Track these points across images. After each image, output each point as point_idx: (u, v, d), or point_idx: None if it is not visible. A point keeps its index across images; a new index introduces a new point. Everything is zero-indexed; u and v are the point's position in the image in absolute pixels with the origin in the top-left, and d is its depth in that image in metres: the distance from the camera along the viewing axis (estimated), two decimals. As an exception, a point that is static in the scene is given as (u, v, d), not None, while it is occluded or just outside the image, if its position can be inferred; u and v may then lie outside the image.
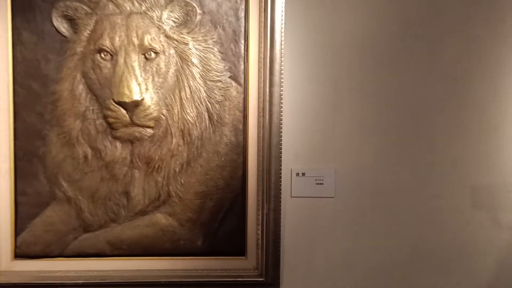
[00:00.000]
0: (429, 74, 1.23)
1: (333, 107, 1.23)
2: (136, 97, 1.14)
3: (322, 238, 1.25)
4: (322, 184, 1.24)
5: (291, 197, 1.24)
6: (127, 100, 1.13)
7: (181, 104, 1.18)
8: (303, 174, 1.24)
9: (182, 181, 1.19)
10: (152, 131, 1.16)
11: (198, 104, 1.18)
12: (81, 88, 1.15)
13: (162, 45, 1.15)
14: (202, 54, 1.17)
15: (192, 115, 1.18)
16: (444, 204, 1.24)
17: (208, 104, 1.19)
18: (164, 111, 1.17)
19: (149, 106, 1.15)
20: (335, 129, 1.23)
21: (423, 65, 1.23)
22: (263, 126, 1.18)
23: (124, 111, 1.14)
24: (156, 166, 1.17)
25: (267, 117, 1.17)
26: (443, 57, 1.22)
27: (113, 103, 1.14)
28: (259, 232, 1.20)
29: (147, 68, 1.15)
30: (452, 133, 1.23)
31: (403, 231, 1.24)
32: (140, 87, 1.14)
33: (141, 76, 1.15)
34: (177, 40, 1.15)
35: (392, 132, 1.23)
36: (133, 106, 1.14)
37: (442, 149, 1.23)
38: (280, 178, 1.19)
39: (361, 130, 1.23)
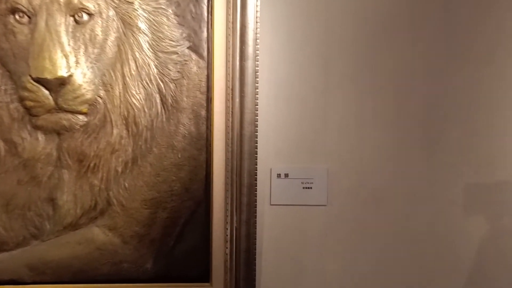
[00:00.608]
0: (435, 55, 0.97)
1: (323, 90, 0.96)
2: (62, 72, 0.85)
3: (311, 259, 0.96)
4: (311, 188, 0.97)
5: (271, 205, 0.96)
6: (49, 76, 0.85)
7: (124, 83, 0.90)
8: (286, 175, 0.97)
9: (126, 184, 0.90)
10: (85, 119, 0.87)
11: (147, 83, 0.91)
12: (-14, 60, 0.88)
13: (98, 4, 0.87)
14: (152, 17, 0.89)
15: (138, 97, 0.91)
16: (460, 211, 0.98)
17: (160, 83, 0.91)
18: (102, 93, 0.89)
19: (80, 85, 0.87)
20: (326, 118, 0.96)
21: (428, 44, 0.96)
22: (232, 112, 0.91)
23: (46, 92, 0.86)
24: (92, 165, 0.88)
25: (238, 100, 0.90)
26: (452, 36, 0.96)
27: (31, 81, 0.85)
28: (228, 251, 0.92)
29: (78, 34, 0.87)
30: (468, 125, 0.97)
31: (413, 249, 0.97)
32: (68, 60, 0.86)
33: (69, 45, 0.86)
34: (118, -1, 0.89)
35: (398, 124, 0.96)
36: (58, 85, 0.85)
37: (459, 145, 0.97)
38: (256, 180, 0.92)
39: (360, 120, 0.95)
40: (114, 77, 0.89)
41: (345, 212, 0.96)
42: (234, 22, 0.89)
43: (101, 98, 0.89)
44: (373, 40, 0.95)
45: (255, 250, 0.92)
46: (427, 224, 0.97)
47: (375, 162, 0.96)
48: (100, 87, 0.89)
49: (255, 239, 0.91)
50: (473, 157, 0.97)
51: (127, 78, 0.90)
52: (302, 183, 0.96)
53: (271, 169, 0.95)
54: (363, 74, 0.96)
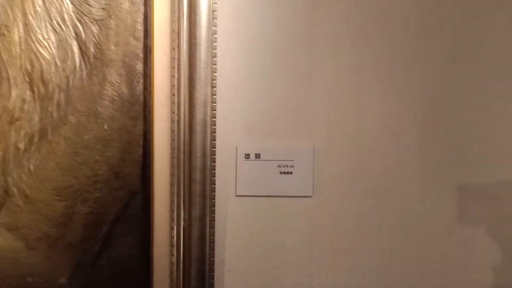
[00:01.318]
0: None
1: (310, 40, 0.70)
2: None
3: (291, 269, 0.70)
4: (291, 174, 0.73)
5: (236, 196, 0.72)
6: None
7: (26, 25, 0.64)
8: (257, 156, 0.72)
9: (31, 167, 0.65)
10: (-30, 74, 0.65)
11: (59, 25, 0.65)
12: None
13: None
14: None
15: (47, 44, 0.65)
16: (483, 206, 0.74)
17: (78, 24, 0.65)
18: (-7, 36, 0.66)
19: (-42, 23, 0.64)
20: (312, 78, 0.72)
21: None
22: (179, 66, 0.66)
23: None
24: (-18, 139, 0.66)
25: (186, 48, 0.63)
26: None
27: None
28: (174, 259, 0.69)
29: (-47, -50, 0.64)
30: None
31: (415, 251, 0.72)
32: None
33: None
34: None
35: (403, 91, 0.72)
36: None
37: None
38: (214, 162, 0.67)
39: (357, 81, 0.69)
40: (11, 16, 0.63)
41: (336, 206, 0.70)
42: None
43: (-8, 44, 0.65)
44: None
45: (213, 258, 0.67)
46: (426, 222, 0.74)
47: (376, 139, 0.70)
48: (-9, 29, 0.64)
49: (213, 243, 0.67)
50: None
51: (30, 17, 0.64)
52: (279, 166, 0.71)
53: (236, 148, 0.71)
54: (359, 21, 0.70)
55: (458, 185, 0.72)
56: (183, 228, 0.64)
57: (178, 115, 0.65)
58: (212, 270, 0.66)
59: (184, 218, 0.65)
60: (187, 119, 0.64)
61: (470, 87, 0.71)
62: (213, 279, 0.67)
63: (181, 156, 0.65)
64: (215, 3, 0.65)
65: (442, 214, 0.72)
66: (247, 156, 0.70)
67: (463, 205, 0.72)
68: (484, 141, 0.72)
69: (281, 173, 0.71)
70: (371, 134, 0.70)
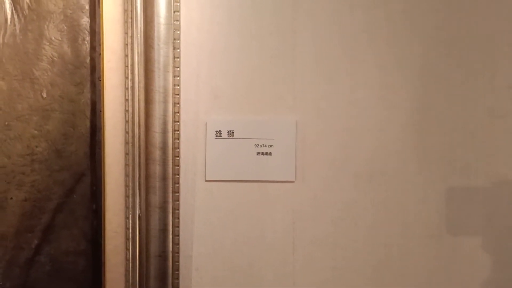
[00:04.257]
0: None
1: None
2: None
3: (271, 265, 0.60)
4: (270, 154, 0.63)
5: (206, 181, 0.61)
6: None
7: None
8: (231, 133, 0.61)
9: (-47, 143, 0.56)
10: None
11: (-18, -34, 0.55)
12: None
13: None
14: None
15: (-33, -10, 0.55)
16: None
17: (6, -34, 0.56)
18: None
19: None
20: (294, 42, 0.58)
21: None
22: (131, 19, 0.54)
23: None
24: None
25: (140, -4, 0.55)
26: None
27: None
28: (129, 255, 0.58)
29: None
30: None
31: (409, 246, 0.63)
32: None
33: None
34: None
35: (400, 56, 0.60)
36: None
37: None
38: (178, 140, 0.57)
39: (347, 43, 0.57)
40: None
41: (323, 192, 0.59)
42: None
43: None
44: None
45: (178, 254, 0.57)
46: (426, 211, 0.64)
47: (370, 114, 0.59)
48: None
49: (178, 235, 0.56)
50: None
51: None
52: (256, 146, 0.61)
53: (206, 124, 0.60)
54: None
55: (462, 164, 0.63)
56: (139, 218, 0.54)
57: (133, 80, 0.53)
58: (176, 268, 0.56)
59: (140, 205, 0.54)
60: (142, 86, 0.53)
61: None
62: (178, 278, 0.56)
63: (137, 130, 0.54)
64: None
65: (444, 200, 0.62)
66: (219, 133, 0.60)
67: (466, 189, 0.62)
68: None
69: (258, 153, 0.60)
70: (364, 107, 0.59)
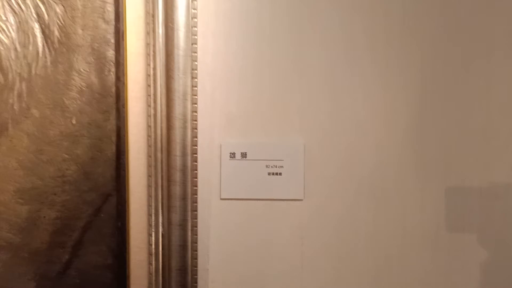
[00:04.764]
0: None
1: (299, 21, 0.62)
2: None
3: (281, 278, 0.64)
4: (281, 174, 0.67)
5: (221, 199, 0.66)
6: None
7: (-21, 3, 0.59)
8: (244, 155, 0.66)
9: (-10, 166, 0.61)
10: None
11: (18, 5, 0.57)
12: None
13: None
14: None
15: (5, 27, 0.57)
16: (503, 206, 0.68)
17: (40, 5, 0.57)
18: None
19: None
20: (303, 67, 0.64)
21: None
22: (154, 53, 0.60)
23: None
24: None
25: (162, 33, 0.57)
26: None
27: None
28: (153, 269, 0.63)
29: None
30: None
31: (414, 256, 0.67)
32: None
33: None
34: None
35: (400, 86, 0.65)
36: None
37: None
38: (196, 162, 0.60)
39: (352, 70, 0.62)
40: (-39, -7, 0.57)
41: (329, 210, 0.64)
42: None
43: None
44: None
45: (196, 267, 0.62)
46: (423, 224, 0.68)
47: (372, 137, 0.63)
48: None
49: (196, 250, 0.61)
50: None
51: (-16, -5, 0.57)
52: (267, 166, 0.65)
53: (220, 146, 0.65)
54: (353, 8, 0.63)
55: (456, 185, 0.67)
56: (162, 235, 0.58)
57: (155, 108, 0.58)
58: (195, 281, 0.60)
59: (162, 223, 0.59)
60: (164, 113, 0.57)
61: (465, 89, 0.65)
62: (195, 290, 0.61)
63: (159, 154, 0.58)
64: (196, -19, 0.58)
65: (439, 215, 0.66)
66: (232, 155, 0.64)
67: (460, 206, 0.67)
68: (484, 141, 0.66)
69: (269, 173, 0.65)
70: (365, 129, 0.63)
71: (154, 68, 0.57)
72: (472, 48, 0.64)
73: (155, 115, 0.57)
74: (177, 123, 0.58)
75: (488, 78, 0.65)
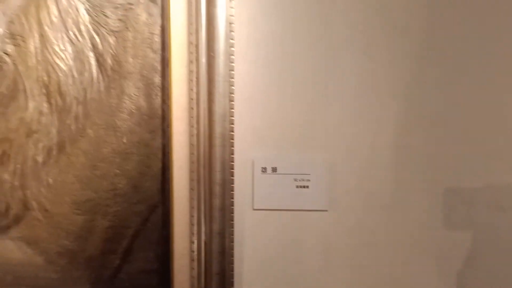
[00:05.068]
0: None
1: (324, 51, 0.68)
2: None
3: (308, 281, 0.71)
4: (308, 187, 0.73)
5: (253, 210, 0.72)
6: None
7: (42, 35, 0.63)
8: (274, 169, 0.72)
9: (50, 180, 0.64)
10: (-14, 87, 0.64)
11: (75, 36, 0.64)
12: None
13: None
14: None
15: (63, 56, 0.64)
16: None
17: (95, 36, 0.65)
18: (9, 48, 0.61)
19: (-26, 36, 0.62)
20: (328, 90, 0.71)
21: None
22: (197, 79, 0.66)
23: None
24: None
25: (204, 61, 0.63)
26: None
27: None
28: (195, 273, 0.69)
29: (-34, -41, 0.62)
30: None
31: (433, 264, 0.73)
32: (-49, -3, 0.61)
33: (-48, -26, 0.61)
34: None
35: (426, 102, 0.71)
36: None
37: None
38: (232, 176, 0.68)
39: (374, 91, 0.69)
40: (26, 26, 0.62)
41: (352, 220, 0.70)
42: (201, -51, 0.63)
43: (8, 55, 0.62)
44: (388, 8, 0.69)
45: (233, 272, 0.68)
46: (440, 236, 0.74)
47: (390, 153, 0.70)
48: (7, 40, 0.61)
49: (232, 256, 0.67)
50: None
51: (46, 28, 0.63)
52: (295, 180, 0.71)
53: (253, 161, 0.71)
54: (375, 28, 0.69)
55: (467, 198, 0.72)
56: (205, 243, 0.65)
57: (197, 128, 0.64)
58: (231, 284, 0.67)
59: (205, 232, 0.65)
60: (206, 133, 0.63)
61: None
62: (232, 293, 0.68)
63: (201, 170, 0.64)
64: (232, 15, 0.64)
65: (457, 226, 0.72)
66: (264, 169, 0.70)
67: (475, 217, 0.72)
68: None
69: (297, 186, 0.71)
70: (383, 146, 0.70)
71: (197, 93, 0.63)
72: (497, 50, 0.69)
73: (197, 134, 0.64)
74: (217, 142, 0.64)
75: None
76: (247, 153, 0.69)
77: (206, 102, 0.63)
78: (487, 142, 0.72)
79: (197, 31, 0.62)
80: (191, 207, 0.66)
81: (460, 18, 0.71)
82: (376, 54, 0.70)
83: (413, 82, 0.71)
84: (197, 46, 0.62)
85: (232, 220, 0.67)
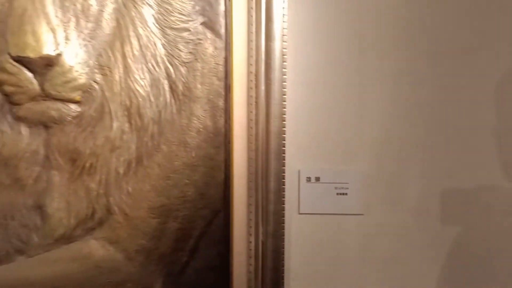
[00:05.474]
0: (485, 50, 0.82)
1: (359, 77, 0.81)
2: (48, 50, 0.68)
3: (347, 277, 0.81)
4: (346, 194, 0.83)
5: (299, 214, 0.83)
6: (32, 54, 0.68)
7: (125, 66, 0.74)
8: (317, 179, 0.83)
9: (130, 189, 0.75)
10: (78, 109, 0.72)
11: (153, 66, 0.75)
12: (-48, 34, 0.71)
13: (92, -33, 0.73)
14: (159, -16, 0.74)
15: (143, 83, 0.75)
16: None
17: (169, 66, 0.75)
18: (98, 77, 0.73)
19: (71, 67, 0.70)
20: (365, 110, 0.82)
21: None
22: (256, 103, 0.75)
23: (29, 74, 0.69)
24: (87, 165, 0.73)
25: (263, 88, 0.75)
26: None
27: (10, 60, 0.68)
28: (252, 268, 0.79)
29: (67, 4, 0.70)
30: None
31: (465, 265, 0.83)
32: (55, 35, 0.69)
33: (56, 16, 0.69)
34: (118, -39, 0.72)
35: (449, 119, 0.81)
36: (44, 66, 0.69)
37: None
38: (284, 185, 0.79)
39: (403, 115, 0.81)
40: (113, 58, 0.73)
41: (385, 222, 0.81)
42: (259, -7, 0.74)
43: (97, 83, 0.73)
44: (420, 23, 0.80)
45: (283, 267, 0.78)
46: (466, 239, 0.84)
47: (420, 163, 0.81)
48: (96, 70, 0.73)
49: (283, 254, 0.78)
50: None
51: (129, 60, 0.74)
52: (336, 188, 0.82)
53: (299, 172, 0.81)
54: (404, 56, 0.80)
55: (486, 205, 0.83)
56: (262, 242, 0.75)
57: (256, 145, 0.75)
58: (282, 278, 0.77)
59: (262, 233, 0.75)
60: (264, 149, 0.74)
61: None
62: (283, 285, 0.78)
63: (258, 180, 0.75)
64: (285, 49, 0.75)
65: (485, 231, 0.82)
66: (309, 179, 0.81)
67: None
68: None
69: (337, 193, 0.81)
70: (412, 160, 0.81)
71: (257, 115, 0.74)
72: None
73: (256, 150, 0.74)
74: (272, 156, 0.75)
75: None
76: (295, 165, 0.80)
77: (264, 123, 0.74)
78: None
79: (257, 62, 0.73)
80: (249, 212, 0.76)
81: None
82: (402, 82, 0.81)
83: (434, 106, 0.82)
84: (256, 75, 0.73)
85: (283, 223, 0.78)
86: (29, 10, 0.68)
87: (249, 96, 0.75)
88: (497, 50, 0.82)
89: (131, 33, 0.72)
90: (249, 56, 0.75)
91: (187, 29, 0.73)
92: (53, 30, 0.69)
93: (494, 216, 0.83)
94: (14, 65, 0.68)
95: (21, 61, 0.68)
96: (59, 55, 0.69)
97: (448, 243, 0.82)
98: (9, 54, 0.68)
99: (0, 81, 0.70)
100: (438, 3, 0.81)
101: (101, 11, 0.71)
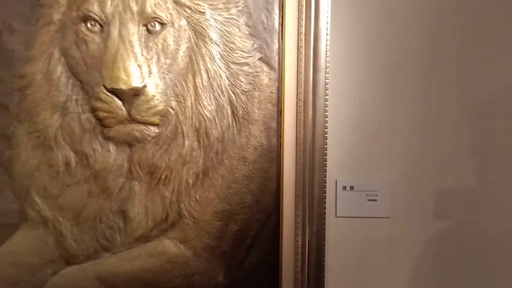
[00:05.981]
0: None
1: (390, 101, 0.96)
2: (136, 83, 0.83)
3: (376, 272, 0.97)
4: (376, 200, 0.98)
5: (336, 217, 0.98)
6: (123, 87, 0.83)
7: (196, 94, 0.89)
8: (352, 187, 0.97)
9: (197, 196, 0.90)
10: (157, 130, 0.86)
11: (218, 95, 0.90)
12: (60, 70, 0.84)
13: (170, 14, 0.85)
14: (224, 27, 0.87)
15: (210, 108, 0.90)
16: None
17: (232, 94, 0.90)
18: (173, 103, 0.88)
19: (153, 96, 0.86)
20: (392, 129, 0.96)
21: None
22: (303, 124, 0.90)
23: (119, 102, 0.84)
24: (163, 176, 0.88)
25: (310, 112, 0.90)
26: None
27: (105, 91, 0.83)
28: (298, 263, 0.94)
29: (150, 44, 0.85)
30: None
31: (484, 264, 0.98)
32: (141, 70, 0.84)
33: (142, 55, 0.85)
34: (190, 8, 0.85)
35: (468, 134, 0.97)
36: (132, 96, 0.84)
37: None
38: (325, 193, 0.93)
39: (426, 132, 0.96)
40: (186, 88, 0.88)
41: (409, 224, 0.97)
42: (306, 34, 0.88)
43: (173, 109, 0.88)
44: (442, 50, 0.95)
45: (324, 262, 0.93)
46: (498, 236, 0.99)
47: (443, 174, 0.96)
48: (172, 98, 0.87)
49: (324, 251, 0.92)
50: None
51: (199, 89, 0.88)
52: (367, 195, 0.96)
53: (336, 181, 0.96)
54: (431, 84, 0.96)
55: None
56: (308, 241, 0.89)
57: (303, 159, 0.89)
58: (323, 271, 0.91)
59: (308, 233, 0.90)
60: (309, 163, 0.89)
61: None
62: (324, 278, 0.92)
63: (304, 188, 0.89)
64: (327, 79, 0.89)
65: (497, 232, 0.97)
66: (344, 187, 0.95)
67: None
68: None
69: (368, 200, 0.96)
70: (434, 171, 0.96)
71: (304, 134, 0.88)
72: None
73: (303, 163, 0.88)
74: (316, 168, 0.89)
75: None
76: (333, 176, 0.94)
77: (311, 142, 0.88)
78: None
79: (305, 92, 0.88)
80: (296, 215, 0.91)
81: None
82: (429, 100, 0.96)
83: (454, 123, 0.97)
84: (305, 102, 0.88)
85: (324, 225, 0.92)
86: (120, 50, 0.82)
87: (297, 119, 0.90)
88: None
89: (201, 67, 0.86)
90: (298, 86, 0.89)
91: (247, 64, 0.88)
92: (139, 66, 0.83)
93: None
94: (108, 95, 0.83)
95: (114, 92, 0.83)
96: (144, 86, 0.84)
97: (461, 243, 0.97)
98: (104, 86, 0.83)
99: (95, 108, 0.85)
100: (466, 25, 0.94)
101: (177, 49, 0.85)
